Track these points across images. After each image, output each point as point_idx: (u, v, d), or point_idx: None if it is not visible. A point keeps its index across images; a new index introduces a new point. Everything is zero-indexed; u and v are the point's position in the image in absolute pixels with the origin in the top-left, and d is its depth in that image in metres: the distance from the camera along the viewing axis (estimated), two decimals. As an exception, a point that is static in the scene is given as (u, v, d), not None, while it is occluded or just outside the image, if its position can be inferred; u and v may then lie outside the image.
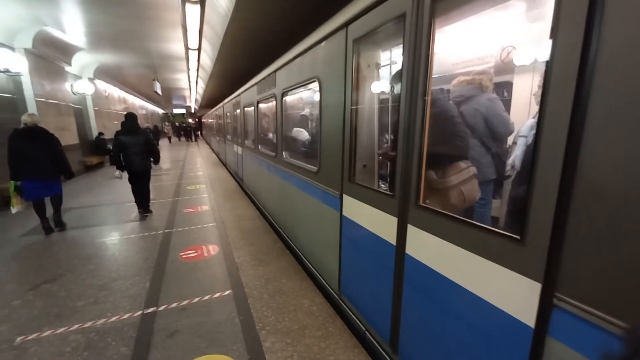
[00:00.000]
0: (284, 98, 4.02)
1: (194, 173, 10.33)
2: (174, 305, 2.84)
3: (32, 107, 7.75)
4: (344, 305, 2.69)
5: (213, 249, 4.06)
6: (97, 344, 2.35)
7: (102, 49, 10.00)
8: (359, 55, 2.29)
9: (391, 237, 1.95)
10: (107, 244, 4.34)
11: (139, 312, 2.73)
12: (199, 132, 34.70)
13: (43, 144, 4.46)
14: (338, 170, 2.57)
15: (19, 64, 7.14)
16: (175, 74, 15.66)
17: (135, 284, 3.21)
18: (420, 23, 1.62)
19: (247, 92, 6.46)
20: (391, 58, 2.61)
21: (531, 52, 2.47)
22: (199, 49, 9.08)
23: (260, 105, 5.43)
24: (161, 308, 2.79)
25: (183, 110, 37.97)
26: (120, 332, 2.49)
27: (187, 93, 24.46)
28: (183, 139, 30.79)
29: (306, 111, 4.54)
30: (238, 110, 7.77)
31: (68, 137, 9.43)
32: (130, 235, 4.62)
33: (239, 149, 7.98)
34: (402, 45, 1.77)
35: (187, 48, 9.21)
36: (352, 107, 2.32)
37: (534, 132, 1.21)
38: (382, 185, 2.34)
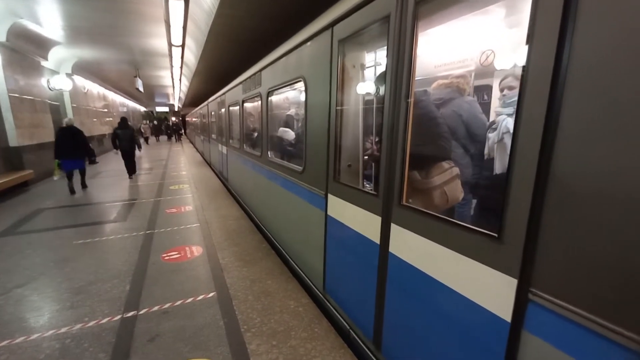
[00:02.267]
0: (269, 97, 4.02)
1: (177, 172, 10.11)
2: (156, 308, 2.76)
3: (4, 103, 7.41)
4: (328, 304, 2.70)
5: (197, 250, 3.98)
6: (73, 350, 2.26)
7: (81, 43, 9.65)
8: (345, 55, 2.29)
9: (375, 236, 1.97)
10: (84, 245, 4.18)
11: (118, 317, 2.64)
12: (183, 131, 32.88)
13: (74, 137, 7.02)
14: (323, 170, 2.58)
15: (-9, 58, 6.83)
16: (157, 71, 15.30)
17: (115, 287, 3.11)
18: (404, 25, 1.63)
19: (232, 91, 6.49)
20: (376, 59, 2.64)
21: (509, 57, 2.54)
22: (183, 46, 8.91)
23: (246, 104, 5.42)
24: (142, 312, 2.71)
25: (166, 109, 37.12)
26: (98, 337, 2.40)
27: (170, 91, 23.94)
28: (163, 137, 28.72)
29: (292, 111, 4.54)
30: (223, 109, 7.79)
31: (43, 135, 9.05)
32: (109, 236, 4.47)
33: (224, 149, 8.05)
34: (386, 47, 1.78)
35: (170, 44, 9.02)
36: (338, 107, 2.33)
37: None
38: (367, 185, 2.32)
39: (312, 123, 2.78)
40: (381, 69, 1.99)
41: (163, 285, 3.15)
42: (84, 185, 7.64)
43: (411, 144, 1.67)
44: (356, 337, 2.27)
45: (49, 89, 10.07)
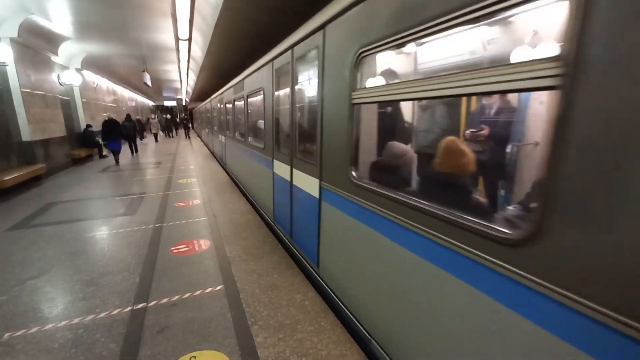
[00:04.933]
0: (249, 99, 5.70)
1: (185, 167, 10.21)
2: (165, 300, 2.81)
3: (17, 98, 7.53)
4: (276, 227, 4.35)
5: (204, 244, 4.03)
6: (85, 341, 2.32)
7: (90, 38, 9.73)
8: (279, 78, 3.86)
9: (288, 177, 3.61)
10: (95, 238, 4.27)
11: (129, 308, 2.70)
12: (191, 126, 30.41)
13: (115, 125, 10.79)
14: (271, 146, 4.25)
15: (5, 54, 6.94)
16: (165, 65, 15.38)
17: (125, 280, 3.17)
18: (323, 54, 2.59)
19: (227, 91, 8.15)
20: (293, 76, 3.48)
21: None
22: (190, 40, 8.92)
23: (236, 103, 6.97)
24: (151, 304, 2.76)
25: (174, 103, 37.35)
26: (109, 328, 2.45)
27: (177, 85, 24.04)
28: (172, 133, 25.59)
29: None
30: (221, 106, 9.48)
31: (55, 130, 9.20)
32: (119, 229, 4.55)
33: (223, 138, 9.78)
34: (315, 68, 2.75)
35: (177, 39, 9.04)
36: (276, 107, 4.06)
37: None
38: (284, 150, 3.79)
39: (266, 117, 4.46)
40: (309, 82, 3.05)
41: (172, 277, 3.20)
42: (116, 161, 10.68)
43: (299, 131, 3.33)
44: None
45: (60, 84, 10.21)
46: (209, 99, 13.71)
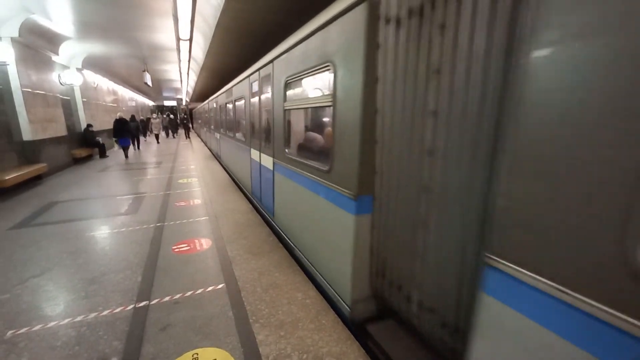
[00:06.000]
0: (236, 102, 6.94)
1: (185, 166, 10.22)
2: (167, 299, 2.83)
3: (18, 98, 7.55)
4: (253, 199, 5.82)
5: (206, 243, 4.05)
6: (88, 338, 2.34)
7: (91, 38, 9.74)
8: (253, 90, 5.09)
9: (258, 159, 4.93)
10: (97, 237, 4.28)
11: (131, 306, 2.72)
12: (191, 126, 29.63)
13: (124, 124, 12.33)
14: (249, 139, 5.57)
15: (6, 54, 6.94)
16: (165, 65, 15.39)
17: (127, 278, 3.19)
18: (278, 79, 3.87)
19: (221, 95, 9.34)
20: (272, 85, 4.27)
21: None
22: (191, 40, 8.93)
23: (228, 105, 8.12)
24: (153, 302, 2.78)
25: (174, 103, 37.35)
26: (112, 326, 2.47)
27: (178, 85, 24.02)
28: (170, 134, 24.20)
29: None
30: (216, 107, 10.78)
31: (56, 129, 9.21)
32: (120, 229, 4.57)
33: (218, 135, 11.15)
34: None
35: (178, 39, 9.05)
36: (252, 110, 5.32)
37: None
38: (266, 144, 4.60)
39: (246, 118, 5.83)
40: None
41: (174, 276, 3.22)
42: (126, 156, 12.31)
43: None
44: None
45: (60, 83, 10.22)
46: (207, 101, 15.19)
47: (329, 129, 3.13)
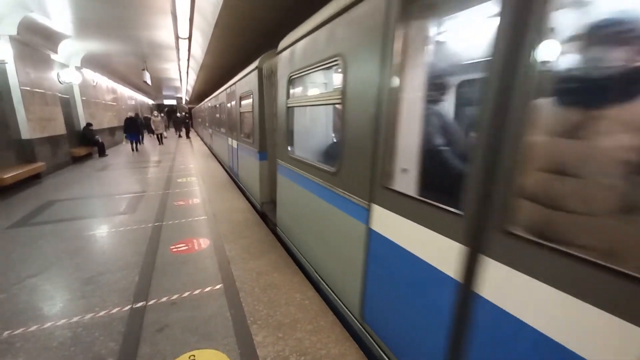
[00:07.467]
0: (227, 104, 7.49)
1: (184, 165, 10.20)
2: (164, 299, 2.81)
3: (16, 96, 7.52)
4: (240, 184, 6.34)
5: (204, 243, 4.03)
6: (84, 339, 2.32)
7: (90, 36, 9.69)
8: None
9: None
10: (95, 237, 4.26)
11: (128, 307, 2.70)
12: (191, 124, 28.09)
13: (134, 122, 14.62)
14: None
15: (4, 52, 6.91)
16: (165, 64, 15.33)
17: (124, 278, 3.17)
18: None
19: (213, 98, 10.01)
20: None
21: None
22: (190, 38, 8.89)
23: (221, 106, 8.57)
24: (151, 302, 2.76)
25: (174, 102, 37.28)
26: (108, 326, 2.45)
27: (177, 84, 23.95)
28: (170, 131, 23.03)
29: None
30: (213, 107, 11.18)
31: (54, 128, 9.18)
32: (118, 228, 4.55)
33: (210, 131, 12.20)
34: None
35: (177, 37, 9.02)
36: (240, 110, 5.78)
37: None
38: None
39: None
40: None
41: (171, 276, 3.20)
42: (136, 149, 14.04)
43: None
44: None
45: (59, 82, 10.17)
46: (204, 101, 16.13)
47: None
